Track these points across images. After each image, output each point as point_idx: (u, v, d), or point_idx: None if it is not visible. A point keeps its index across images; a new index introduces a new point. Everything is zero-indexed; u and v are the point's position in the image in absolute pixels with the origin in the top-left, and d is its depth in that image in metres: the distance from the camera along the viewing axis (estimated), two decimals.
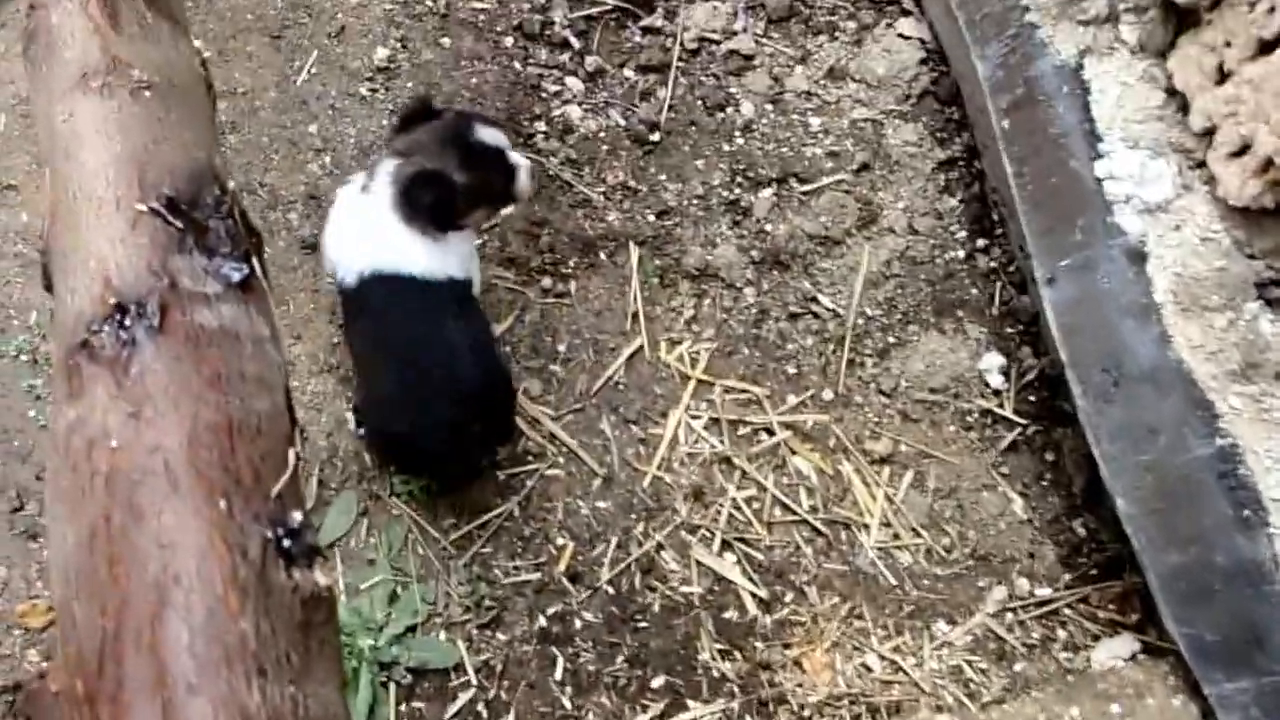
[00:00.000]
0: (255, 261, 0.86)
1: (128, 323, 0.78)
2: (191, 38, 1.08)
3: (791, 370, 1.97)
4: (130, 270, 0.81)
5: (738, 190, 2.09)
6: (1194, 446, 1.59)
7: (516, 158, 1.72)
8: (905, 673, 1.72)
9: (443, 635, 1.71)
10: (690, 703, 1.71)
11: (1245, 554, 1.54)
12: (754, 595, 1.79)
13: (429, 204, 1.61)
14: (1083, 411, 1.68)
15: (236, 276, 0.84)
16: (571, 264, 2.02)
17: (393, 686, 1.66)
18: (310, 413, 1.83)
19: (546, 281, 2.01)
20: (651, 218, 2.07)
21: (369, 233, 1.65)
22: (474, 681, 1.70)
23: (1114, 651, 1.74)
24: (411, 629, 1.70)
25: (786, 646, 1.75)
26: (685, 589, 1.80)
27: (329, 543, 1.76)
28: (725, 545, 1.83)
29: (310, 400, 1.85)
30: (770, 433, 1.92)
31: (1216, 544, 1.56)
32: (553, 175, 2.09)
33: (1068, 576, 1.82)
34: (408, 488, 1.81)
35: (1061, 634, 1.79)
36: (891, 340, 1.99)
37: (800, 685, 1.71)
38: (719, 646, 1.75)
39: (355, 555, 1.77)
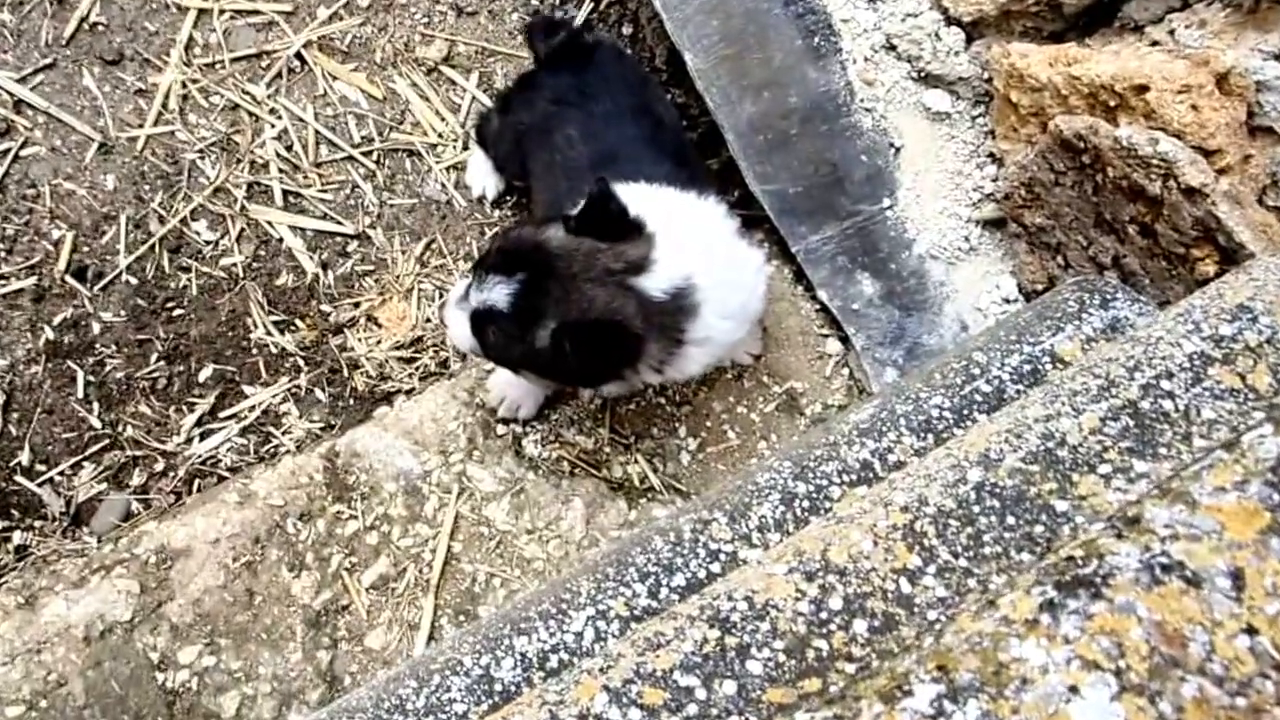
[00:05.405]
0: None
1: None
2: None
3: None
4: None
5: None
6: None
7: None
8: None
9: None
10: (247, 389, 1.45)
11: (818, 88, 1.35)
12: (310, 252, 1.49)
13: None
14: None
15: None
16: None
17: None
18: None
19: None
20: None
21: None
22: None
23: None
24: None
25: (356, 304, 1.49)
26: (226, 261, 1.48)
27: None
28: (269, 200, 1.50)
29: None
30: (301, 59, 1.53)
31: (789, 83, 1.35)
32: None
33: None
34: None
35: None
36: None
37: (379, 343, 1.47)
38: (275, 319, 1.47)
39: None
